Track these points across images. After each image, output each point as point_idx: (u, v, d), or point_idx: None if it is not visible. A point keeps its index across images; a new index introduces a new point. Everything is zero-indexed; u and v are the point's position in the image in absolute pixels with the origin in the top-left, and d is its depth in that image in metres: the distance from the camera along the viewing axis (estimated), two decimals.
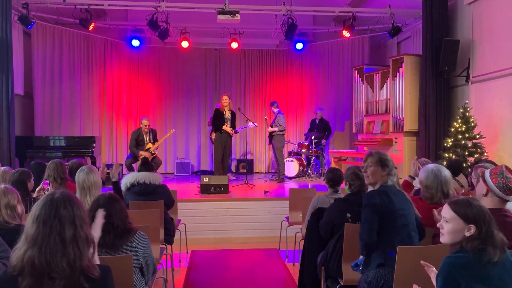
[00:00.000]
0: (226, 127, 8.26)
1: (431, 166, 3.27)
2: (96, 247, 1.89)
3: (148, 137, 8.22)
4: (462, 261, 1.91)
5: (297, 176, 9.52)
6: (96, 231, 2.29)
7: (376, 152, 3.01)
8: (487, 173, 2.52)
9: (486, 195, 2.52)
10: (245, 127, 9.37)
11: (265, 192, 7.30)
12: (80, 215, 1.79)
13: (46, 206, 1.76)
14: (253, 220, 6.66)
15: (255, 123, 9.18)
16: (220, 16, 7.30)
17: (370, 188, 3.05)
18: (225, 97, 8.37)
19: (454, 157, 6.54)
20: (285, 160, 9.35)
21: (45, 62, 9.17)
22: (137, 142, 8.13)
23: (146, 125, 8.16)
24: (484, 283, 1.87)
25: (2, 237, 2.60)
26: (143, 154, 7.97)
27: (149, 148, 8.13)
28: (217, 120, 8.27)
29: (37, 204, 1.79)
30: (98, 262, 1.93)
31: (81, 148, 8.37)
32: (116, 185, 4.14)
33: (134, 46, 9.76)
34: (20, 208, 2.84)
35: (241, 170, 10.29)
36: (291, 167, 9.53)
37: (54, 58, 9.31)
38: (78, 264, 1.72)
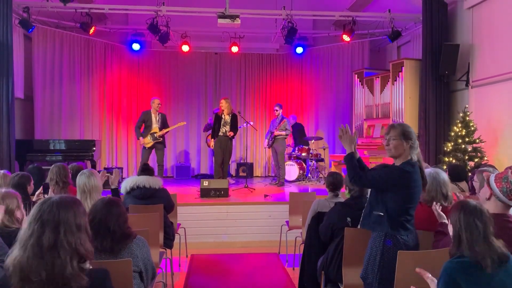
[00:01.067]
0: (221, 130, 8.22)
1: (429, 170, 3.30)
2: (87, 256, 1.77)
3: (156, 119, 8.13)
4: (463, 265, 1.93)
5: (297, 180, 9.50)
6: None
7: (399, 124, 2.91)
8: (492, 177, 2.51)
9: (489, 199, 2.52)
10: (241, 126, 9.34)
11: (265, 196, 7.30)
12: (68, 221, 1.70)
13: (36, 209, 1.72)
14: (253, 224, 6.64)
15: (250, 122, 9.12)
16: (220, 20, 7.31)
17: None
18: (222, 101, 8.31)
19: (454, 161, 6.54)
20: (285, 164, 9.34)
21: (45, 65, 9.18)
22: (145, 124, 8.10)
23: (158, 104, 8.18)
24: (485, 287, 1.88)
25: (2, 238, 2.60)
26: (142, 140, 8.02)
27: (155, 132, 8.04)
28: (215, 125, 8.27)
29: (35, 206, 1.77)
30: (90, 267, 1.84)
31: (81, 151, 8.36)
32: (116, 192, 4.13)
33: (135, 50, 9.77)
34: (19, 212, 2.84)
35: (241, 174, 10.28)
36: (291, 171, 9.51)
37: (55, 61, 9.32)
38: (58, 272, 1.64)
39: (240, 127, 9.33)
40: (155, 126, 8.12)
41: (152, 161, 8.99)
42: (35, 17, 8.30)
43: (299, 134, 10.10)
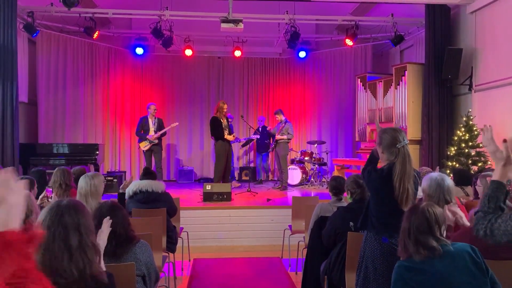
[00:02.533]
0: (228, 136, 8.26)
1: (435, 174, 3.26)
2: (101, 256, 1.91)
3: (153, 123, 8.49)
4: (408, 263, 2.10)
5: (300, 184, 9.50)
6: (102, 240, 2.28)
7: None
8: None
9: None
10: (246, 139, 9.35)
11: (268, 200, 7.29)
12: (85, 223, 1.81)
13: (51, 213, 1.79)
14: (255, 228, 6.64)
15: (257, 135, 9.14)
16: (223, 25, 7.34)
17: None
18: (225, 105, 8.33)
19: (457, 165, 6.52)
20: (288, 168, 9.34)
21: (49, 69, 9.22)
22: (143, 129, 8.47)
23: (155, 109, 8.57)
24: (431, 278, 2.03)
25: None
26: (141, 145, 8.42)
27: (146, 139, 8.43)
28: (218, 128, 8.18)
29: (43, 210, 1.82)
30: (104, 269, 1.94)
31: (85, 155, 8.38)
32: (122, 196, 4.15)
33: (138, 54, 9.81)
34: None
35: (243, 178, 10.28)
36: (294, 175, 9.51)
37: (58, 65, 9.36)
38: (88, 271, 1.75)
39: (246, 139, 9.39)
40: (151, 130, 8.45)
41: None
42: (39, 22, 8.35)
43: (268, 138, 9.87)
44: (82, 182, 3.55)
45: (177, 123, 9.09)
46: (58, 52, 9.34)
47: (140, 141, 8.58)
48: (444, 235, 2.15)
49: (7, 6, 7.11)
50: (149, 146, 8.42)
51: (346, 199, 3.80)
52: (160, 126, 8.60)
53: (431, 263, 2.05)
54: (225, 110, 8.25)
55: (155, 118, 8.59)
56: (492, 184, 1.94)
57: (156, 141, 8.46)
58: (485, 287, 2.04)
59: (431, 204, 2.21)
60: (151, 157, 8.53)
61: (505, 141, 1.94)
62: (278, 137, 8.79)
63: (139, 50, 9.67)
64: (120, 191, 4.21)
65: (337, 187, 4.08)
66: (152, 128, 8.47)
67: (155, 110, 8.62)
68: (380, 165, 2.94)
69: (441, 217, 2.14)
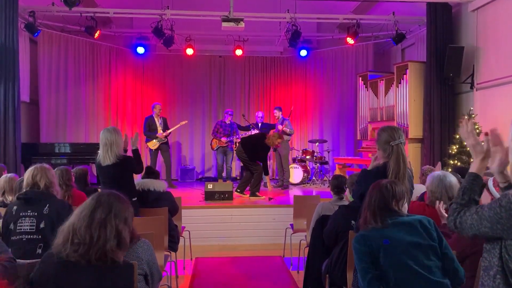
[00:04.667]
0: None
1: (438, 172, 3.29)
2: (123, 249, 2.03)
3: (159, 122, 8.72)
4: (365, 233, 2.40)
5: (302, 182, 9.49)
6: None
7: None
8: (490, 182, 2.49)
9: None
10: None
11: (270, 199, 7.29)
12: (119, 210, 2.01)
13: (94, 194, 2.06)
14: (257, 227, 6.65)
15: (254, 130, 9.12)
16: (224, 24, 7.33)
17: None
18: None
19: (459, 164, 6.52)
20: (289, 166, 9.34)
21: (50, 69, 9.23)
22: (150, 128, 8.66)
23: (160, 109, 8.81)
24: (389, 243, 2.31)
25: (42, 194, 3.05)
26: (149, 145, 8.63)
27: (157, 137, 8.64)
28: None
29: (90, 199, 2.05)
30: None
31: (86, 154, 8.39)
32: (136, 152, 4.34)
33: (139, 53, 9.81)
34: (58, 188, 3.33)
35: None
36: (296, 173, 9.51)
37: (60, 65, 9.38)
38: (100, 244, 1.91)
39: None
40: (159, 129, 8.64)
41: (159, 163, 9.29)
42: (41, 21, 8.35)
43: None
44: (105, 133, 4.02)
45: (186, 121, 9.41)
46: (60, 52, 9.35)
47: (148, 140, 8.72)
48: (402, 208, 2.45)
49: (8, 5, 7.12)
50: (158, 144, 8.62)
51: (348, 197, 3.80)
52: (165, 125, 8.81)
53: (386, 230, 2.35)
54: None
55: (160, 117, 8.80)
56: (469, 176, 1.94)
57: (165, 139, 8.67)
58: (434, 249, 2.31)
59: (392, 181, 2.51)
60: (157, 156, 8.74)
61: (486, 134, 1.94)
62: (282, 128, 8.81)
63: (141, 50, 9.67)
64: (133, 148, 4.36)
65: (338, 185, 4.08)
66: (159, 127, 8.67)
67: (160, 109, 8.84)
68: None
69: (400, 193, 2.43)
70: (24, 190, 3.15)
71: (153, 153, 8.70)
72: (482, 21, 7.09)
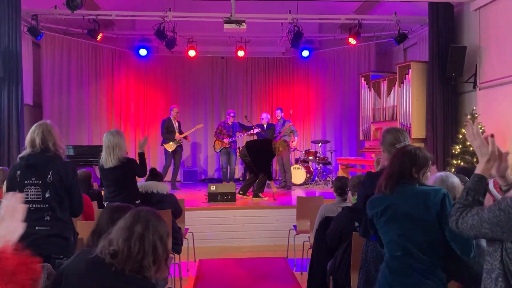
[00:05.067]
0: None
1: (441, 173, 3.28)
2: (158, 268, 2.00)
3: (176, 125, 8.89)
4: (372, 198, 2.51)
5: (305, 183, 9.49)
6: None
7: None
8: (490, 184, 2.46)
9: None
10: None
11: (274, 199, 7.30)
12: (157, 227, 2.00)
13: (134, 210, 2.08)
14: (260, 228, 6.65)
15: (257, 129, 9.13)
16: (226, 26, 7.34)
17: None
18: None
19: (462, 164, 6.50)
20: (292, 167, 9.35)
21: (53, 72, 9.27)
22: (168, 130, 8.78)
23: (177, 112, 8.96)
24: (392, 209, 2.37)
25: (44, 156, 3.00)
26: (166, 147, 8.76)
27: (174, 139, 8.79)
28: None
29: (127, 215, 2.04)
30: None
31: (89, 157, 8.40)
32: (142, 156, 4.33)
33: (142, 55, 9.84)
34: (63, 146, 3.21)
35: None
36: (299, 174, 9.50)
37: (63, 68, 9.41)
38: (137, 259, 1.90)
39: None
40: (176, 132, 8.83)
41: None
42: (43, 24, 8.39)
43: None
44: (108, 136, 4.04)
45: (202, 125, 9.58)
46: (62, 54, 9.38)
47: (165, 142, 8.83)
48: (423, 177, 2.44)
49: (11, 9, 7.14)
50: (175, 146, 8.76)
51: (351, 199, 3.80)
52: (180, 128, 9.00)
53: (388, 198, 2.39)
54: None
55: (176, 120, 8.96)
56: (474, 177, 1.95)
57: (181, 142, 8.85)
58: (430, 225, 2.29)
59: (418, 147, 2.48)
60: (172, 157, 8.88)
61: (492, 136, 1.95)
62: (294, 144, 9.03)
63: (143, 51, 9.70)
64: (139, 151, 4.36)
65: (341, 187, 4.09)
66: (176, 129, 8.84)
67: (177, 112, 8.99)
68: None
69: (423, 160, 2.40)
70: (26, 151, 3.08)
71: (169, 155, 8.86)
72: (485, 20, 7.07)
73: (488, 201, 2.48)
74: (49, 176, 2.96)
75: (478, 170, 1.96)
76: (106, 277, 1.92)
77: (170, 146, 8.77)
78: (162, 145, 8.99)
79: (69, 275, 2.01)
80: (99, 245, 2.01)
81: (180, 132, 8.94)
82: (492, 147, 1.94)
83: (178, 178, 10.83)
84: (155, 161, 10.91)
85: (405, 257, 2.30)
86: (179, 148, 8.92)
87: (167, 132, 8.81)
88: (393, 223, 2.37)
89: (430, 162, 2.48)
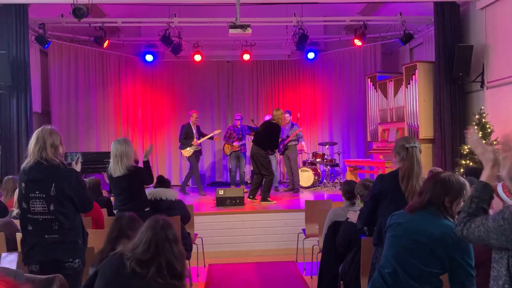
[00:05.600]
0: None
1: None
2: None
3: (195, 131, 8.86)
4: (397, 212, 2.43)
5: (313, 186, 9.47)
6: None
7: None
8: (499, 187, 2.42)
9: None
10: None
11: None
12: (177, 236, 2.31)
13: (155, 230, 2.24)
14: (269, 232, 6.64)
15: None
16: (231, 30, 7.36)
17: None
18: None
19: (471, 164, 6.46)
20: (300, 170, 9.33)
21: (61, 79, 9.35)
22: (186, 135, 8.75)
23: (197, 117, 8.92)
24: (398, 225, 2.35)
25: (44, 170, 3.00)
26: (183, 152, 8.80)
27: (191, 145, 8.76)
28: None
29: (147, 228, 2.26)
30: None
31: (98, 163, 8.47)
32: (147, 164, 4.32)
33: (148, 61, 9.89)
34: (61, 149, 3.16)
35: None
36: (306, 177, 9.49)
37: (70, 75, 9.49)
38: (185, 270, 2.28)
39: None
40: (195, 137, 8.80)
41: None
42: (51, 33, 8.47)
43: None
44: (116, 144, 4.05)
45: (220, 131, 9.54)
46: (70, 62, 9.46)
47: (182, 147, 8.82)
48: (456, 206, 2.27)
49: (19, 19, 7.23)
50: (192, 152, 8.72)
51: (359, 203, 3.80)
52: (199, 132, 8.98)
53: (415, 217, 2.31)
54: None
55: (195, 125, 8.94)
56: (478, 185, 1.93)
57: (199, 147, 8.83)
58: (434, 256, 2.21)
59: (451, 174, 2.35)
60: (196, 161, 8.90)
61: (491, 144, 1.96)
62: (301, 146, 9.08)
63: (149, 57, 9.75)
64: (145, 159, 4.33)
65: (350, 191, 4.08)
66: (195, 135, 8.81)
67: (196, 117, 8.94)
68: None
69: (457, 189, 2.27)
70: (27, 162, 3.10)
71: (192, 159, 8.84)
72: (491, 19, 7.02)
73: (497, 205, 2.47)
74: (52, 189, 2.99)
75: (483, 177, 1.94)
76: (132, 280, 2.15)
77: (187, 152, 8.75)
78: (180, 150, 9.03)
79: (105, 271, 2.25)
80: (124, 251, 2.25)
81: (202, 135, 8.95)
82: (493, 154, 1.92)
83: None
84: (163, 167, 10.96)
85: (393, 275, 2.28)
86: (197, 154, 8.89)
87: (185, 138, 8.78)
88: (397, 241, 2.34)
89: (465, 190, 2.33)
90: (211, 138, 9.17)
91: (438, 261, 2.21)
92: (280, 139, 9.10)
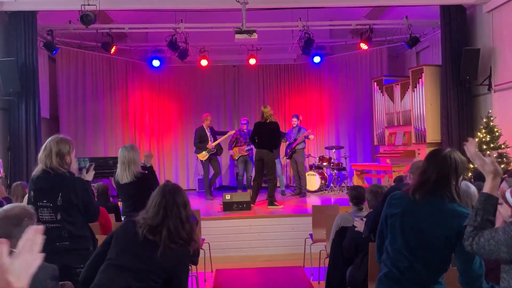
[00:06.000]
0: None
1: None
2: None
3: (209, 134, 8.86)
4: (396, 194, 2.35)
5: (320, 189, 9.46)
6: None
7: None
8: (508, 193, 2.39)
9: None
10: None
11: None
12: (187, 200, 2.40)
13: (164, 194, 2.36)
14: (276, 237, 6.63)
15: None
16: (237, 36, 7.38)
17: None
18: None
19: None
20: (306, 174, 9.32)
21: (69, 85, 9.43)
22: (201, 139, 8.75)
23: (210, 120, 8.92)
24: (402, 215, 2.25)
25: (50, 179, 3.03)
26: (199, 156, 8.81)
27: (206, 148, 8.76)
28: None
29: (156, 192, 2.39)
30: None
31: (105, 168, 8.50)
32: (151, 169, 4.32)
33: (155, 66, 9.96)
34: (69, 158, 3.16)
35: (263, 185, 10.26)
36: (313, 181, 9.48)
37: (78, 81, 9.57)
38: (195, 236, 2.37)
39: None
40: (209, 140, 8.81)
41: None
42: (59, 39, 8.56)
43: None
44: (123, 151, 4.03)
45: (233, 131, 9.43)
46: (77, 68, 9.55)
47: (198, 151, 8.85)
48: (460, 183, 2.24)
49: (28, 26, 7.32)
50: (207, 155, 8.75)
51: (367, 208, 3.79)
52: (213, 134, 8.96)
53: (418, 206, 2.22)
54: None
55: (208, 128, 8.93)
56: (481, 197, 1.91)
57: (214, 150, 8.81)
58: (449, 249, 2.18)
59: (454, 150, 2.30)
60: (209, 166, 8.88)
61: (489, 155, 1.95)
62: (300, 142, 8.91)
63: (156, 63, 9.82)
64: (147, 165, 4.28)
65: (357, 196, 4.08)
66: (209, 138, 8.82)
67: (210, 121, 8.95)
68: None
69: (462, 165, 2.23)
70: (37, 170, 3.14)
71: (205, 164, 8.86)
72: (498, 22, 7.00)
73: (506, 210, 2.45)
74: (59, 199, 3.03)
75: (485, 188, 1.93)
76: (145, 250, 2.25)
77: (203, 155, 8.76)
78: (196, 154, 9.04)
79: (119, 238, 2.36)
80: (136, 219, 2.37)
81: (218, 134, 8.96)
82: (493, 165, 1.91)
83: (193, 186, 10.93)
84: (170, 171, 11.00)
85: (411, 270, 2.21)
86: (213, 157, 8.88)
87: (200, 142, 8.78)
88: (403, 232, 2.25)
89: (473, 195, 2.35)
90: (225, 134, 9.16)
91: (452, 246, 2.19)
92: (287, 143, 9.16)
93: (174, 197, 2.35)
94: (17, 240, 2.17)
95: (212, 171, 8.99)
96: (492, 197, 1.90)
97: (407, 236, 2.23)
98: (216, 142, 8.89)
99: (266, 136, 7.48)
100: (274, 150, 7.97)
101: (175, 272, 2.29)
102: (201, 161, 8.92)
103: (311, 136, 9.26)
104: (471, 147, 2.05)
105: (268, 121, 7.47)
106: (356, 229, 3.40)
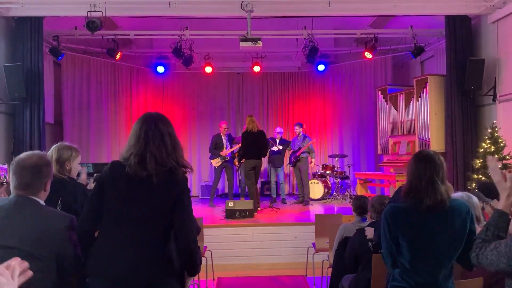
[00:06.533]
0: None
1: (459, 193, 3.24)
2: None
3: (226, 140, 8.89)
4: (397, 209, 2.28)
5: (323, 198, 9.43)
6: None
7: None
8: None
9: None
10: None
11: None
12: (168, 130, 2.29)
13: (147, 122, 2.26)
14: (279, 245, 6.61)
15: (279, 147, 9.14)
16: (242, 44, 7.41)
17: None
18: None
19: (483, 178, 6.39)
20: (309, 182, 9.30)
21: (74, 90, 9.47)
22: (216, 145, 8.82)
23: (225, 128, 8.95)
24: (412, 228, 2.20)
25: (53, 186, 2.90)
26: (213, 162, 8.86)
27: (220, 155, 8.81)
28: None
29: (138, 120, 2.30)
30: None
31: None
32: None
33: (159, 73, 9.99)
34: (69, 164, 3.18)
35: (265, 193, 10.26)
36: (316, 189, 9.45)
37: (83, 86, 9.61)
38: (181, 162, 2.25)
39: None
40: (224, 147, 8.85)
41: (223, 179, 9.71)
42: (64, 45, 8.60)
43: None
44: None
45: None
46: (82, 73, 9.59)
47: (212, 157, 8.91)
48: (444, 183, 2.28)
49: (34, 31, 7.36)
50: (221, 162, 8.77)
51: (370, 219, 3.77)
52: (230, 141, 9.01)
53: (423, 214, 2.21)
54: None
55: (225, 135, 8.97)
56: (494, 213, 1.96)
57: (227, 157, 8.80)
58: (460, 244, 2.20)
59: (435, 152, 2.38)
60: (221, 172, 8.89)
61: (510, 171, 1.98)
62: (311, 160, 9.03)
63: (160, 69, 9.84)
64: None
65: (361, 206, 4.06)
66: (225, 145, 8.85)
67: (225, 128, 8.98)
68: None
69: (441, 164, 2.32)
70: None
71: (217, 171, 8.87)
72: (503, 33, 6.99)
73: None
74: (59, 204, 3.04)
75: (500, 205, 1.98)
76: (136, 188, 2.14)
77: (216, 162, 8.80)
78: (210, 160, 9.10)
79: (110, 187, 2.21)
80: (122, 155, 2.25)
81: (232, 144, 8.96)
82: (510, 182, 1.94)
83: (196, 193, 10.91)
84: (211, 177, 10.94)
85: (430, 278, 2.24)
86: (227, 164, 8.88)
87: (215, 148, 8.84)
88: (426, 244, 2.24)
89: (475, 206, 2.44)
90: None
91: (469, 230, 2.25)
92: (291, 151, 9.17)
93: (156, 124, 2.23)
94: (35, 188, 2.21)
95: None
96: (506, 215, 1.95)
97: (427, 249, 2.24)
98: (230, 150, 8.88)
99: (261, 146, 7.87)
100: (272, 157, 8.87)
101: (178, 196, 2.20)
102: (214, 167, 8.97)
103: (313, 160, 9.23)
104: (492, 163, 2.11)
105: (254, 130, 7.74)
106: (367, 237, 3.36)
